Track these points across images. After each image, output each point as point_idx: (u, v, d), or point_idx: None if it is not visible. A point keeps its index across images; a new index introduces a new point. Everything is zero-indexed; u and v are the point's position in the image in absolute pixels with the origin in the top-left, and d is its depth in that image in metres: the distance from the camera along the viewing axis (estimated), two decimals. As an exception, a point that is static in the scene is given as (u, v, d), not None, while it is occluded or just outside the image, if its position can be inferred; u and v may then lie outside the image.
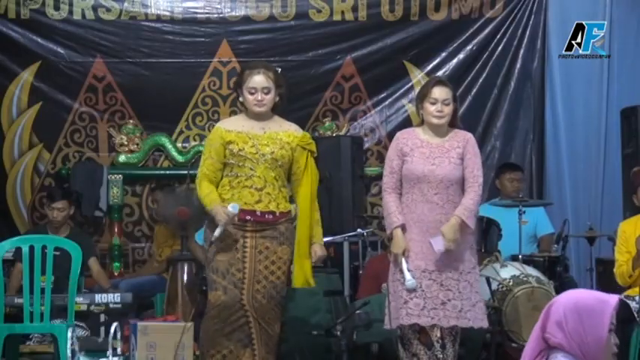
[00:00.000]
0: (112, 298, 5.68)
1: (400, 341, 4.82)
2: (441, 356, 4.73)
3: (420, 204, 4.78)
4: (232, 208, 4.64)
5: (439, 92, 4.82)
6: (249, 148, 4.75)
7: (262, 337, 4.75)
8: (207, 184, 4.79)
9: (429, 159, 4.81)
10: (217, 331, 4.73)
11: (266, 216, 4.76)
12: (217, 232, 4.65)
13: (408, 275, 4.67)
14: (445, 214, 4.77)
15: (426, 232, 4.76)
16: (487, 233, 5.96)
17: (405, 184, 4.83)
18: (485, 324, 4.80)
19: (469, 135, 4.93)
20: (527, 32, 7.62)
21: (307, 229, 4.81)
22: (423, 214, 4.77)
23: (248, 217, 4.73)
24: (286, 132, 4.85)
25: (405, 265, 4.70)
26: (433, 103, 4.82)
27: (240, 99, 4.86)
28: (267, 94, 4.78)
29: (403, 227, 4.77)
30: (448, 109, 4.83)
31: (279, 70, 4.93)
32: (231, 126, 4.84)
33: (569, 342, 2.66)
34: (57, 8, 7.46)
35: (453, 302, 4.70)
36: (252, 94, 4.78)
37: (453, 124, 4.92)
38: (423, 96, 4.87)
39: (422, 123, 4.93)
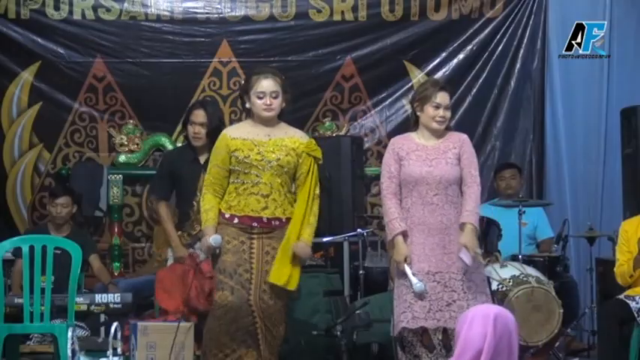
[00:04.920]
0: (112, 298, 5.67)
1: (399, 344, 4.80)
2: (443, 360, 4.73)
3: (420, 207, 4.79)
4: (214, 241, 4.67)
5: (442, 98, 4.84)
6: (254, 155, 4.74)
7: (267, 339, 4.75)
8: (210, 198, 4.79)
9: (426, 161, 4.82)
10: (222, 332, 4.72)
11: (272, 222, 4.77)
12: (202, 256, 4.73)
13: (414, 279, 4.68)
14: (445, 214, 4.78)
15: (428, 235, 4.76)
16: (487, 233, 5.95)
17: (404, 188, 4.84)
18: None
19: (464, 136, 4.96)
20: (527, 32, 7.61)
21: (297, 231, 4.77)
22: (424, 216, 4.78)
23: (254, 224, 4.75)
24: (291, 138, 4.84)
25: (409, 271, 4.71)
26: (437, 108, 4.83)
27: (247, 105, 4.84)
28: (275, 98, 4.77)
29: (404, 233, 4.78)
30: (449, 115, 4.88)
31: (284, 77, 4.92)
32: (237, 133, 4.83)
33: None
34: (57, 8, 7.46)
35: (459, 303, 4.69)
36: (260, 98, 4.76)
37: (446, 126, 4.94)
38: (424, 98, 4.85)
39: (415, 125, 4.94)
